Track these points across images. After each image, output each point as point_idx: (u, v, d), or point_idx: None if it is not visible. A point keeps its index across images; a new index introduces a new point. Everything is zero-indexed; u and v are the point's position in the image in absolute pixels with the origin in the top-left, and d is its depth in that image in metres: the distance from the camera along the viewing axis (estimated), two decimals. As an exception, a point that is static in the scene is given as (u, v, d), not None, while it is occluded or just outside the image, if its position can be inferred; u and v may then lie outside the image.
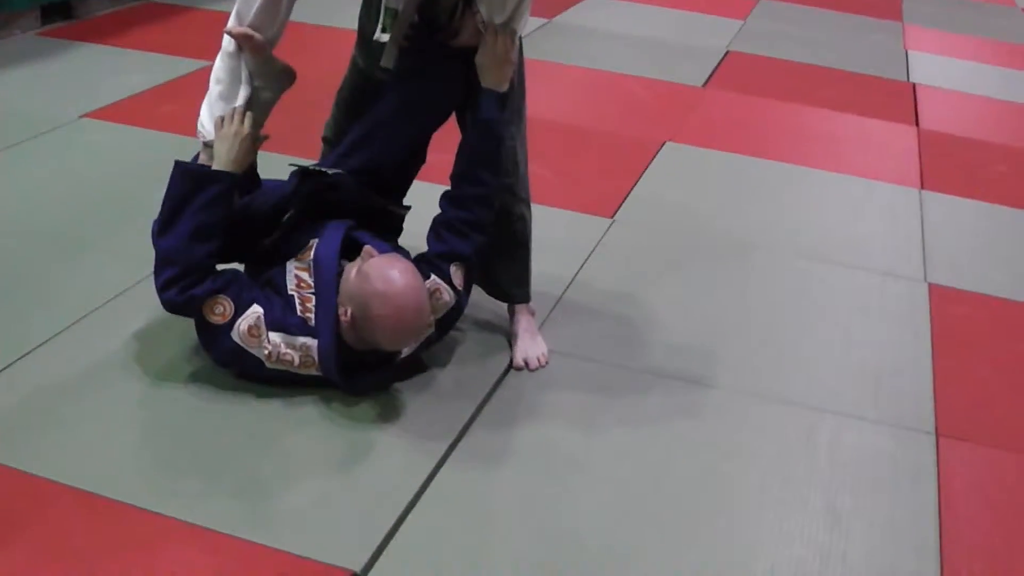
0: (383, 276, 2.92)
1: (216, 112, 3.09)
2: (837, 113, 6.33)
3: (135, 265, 3.59)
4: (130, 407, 3.03)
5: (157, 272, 3.00)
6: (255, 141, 3.12)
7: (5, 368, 3.12)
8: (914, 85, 7.14)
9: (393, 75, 3.19)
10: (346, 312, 2.95)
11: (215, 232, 3.02)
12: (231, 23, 3.08)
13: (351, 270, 2.98)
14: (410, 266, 3.00)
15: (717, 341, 3.69)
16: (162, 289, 2.98)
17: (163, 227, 3.02)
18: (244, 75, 3.11)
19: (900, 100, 6.78)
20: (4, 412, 2.94)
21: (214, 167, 3.03)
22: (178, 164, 3.06)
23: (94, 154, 4.62)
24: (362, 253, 3.01)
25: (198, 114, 3.13)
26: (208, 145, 3.09)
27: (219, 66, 3.12)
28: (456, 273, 3.16)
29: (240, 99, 3.11)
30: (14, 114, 4.97)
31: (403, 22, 3.13)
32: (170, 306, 3.01)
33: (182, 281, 2.96)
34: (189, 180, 3.02)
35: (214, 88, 3.12)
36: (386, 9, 3.20)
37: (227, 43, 3.10)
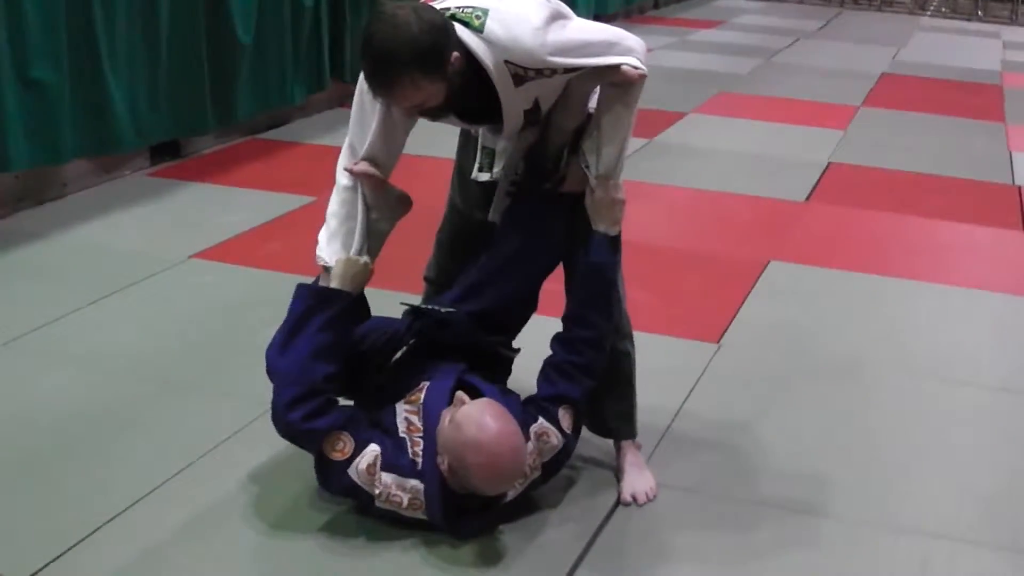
0: (475, 424, 2.91)
1: (334, 248, 3.14)
2: (942, 222, 6.26)
3: (246, 405, 3.63)
4: (247, 556, 3.04)
5: (278, 392, 3.02)
6: (369, 268, 3.16)
7: (120, 514, 3.14)
8: (1020, 188, 7.05)
9: (500, 222, 3.23)
10: (443, 461, 2.95)
11: (335, 353, 3.05)
12: (345, 157, 3.16)
13: (445, 418, 2.98)
14: (502, 411, 2.98)
15: (827, 467, 3.63)
16: (285, 410, 2.98)
17: (283, 347, 3.06)
18: (361, 208, 3.15)
19: (1007, 204, 6.69)
20: (119, 560, 2.95)
21: (332, 285, 3.09)
22: (300, 285, 3.14)
23: (202, 294, 4.70)
24: (454, 400, 3.01)
25: (316, 243, 3.18)
26: (326, 270, 3.14)
27: (335, 199, 3.18)
28: (564, 416, 3.15)
29: (357, 236, 3.15)
30: (126, 255, 5.09)
31: (509, 170, 3.17)
32: (290, 432, 3.03)
33: (304, 404, 2.97)
34: (311, 298, 3.08)
35: (331, 221, 3.18)
36: (483, 148, 3.25)
37: (341, 176, 3.17)
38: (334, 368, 3.04)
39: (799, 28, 14.19)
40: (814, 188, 6.82)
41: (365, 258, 3.15)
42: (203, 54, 6.54)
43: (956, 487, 3.58)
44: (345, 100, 8.06)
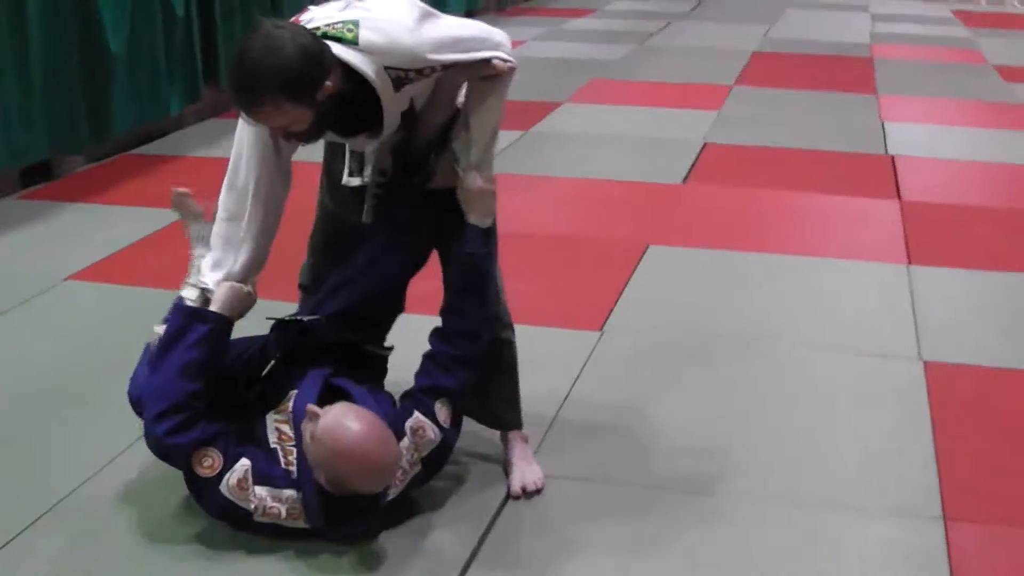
0: (336, 432, 2.89)
1: (217, 274, 3.15)
2: (819, 195, 6.36)
3: (128, 424, 3.57)
4: (125, 564, 3.00)
5: (146, 408, 3.02)
6: (253, 297, 3.18)
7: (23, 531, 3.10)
8: (893, 157, 7.19)
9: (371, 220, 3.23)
10: (319, 475, 2.94)
11: (201, 372, 3.03)
12: (224, 192, 3.16)
13: (305, 434, 2.96)
14: (358, 410, 2.97)
15: (717, 445, 3.66)
16: (150, 424, 2.98)
17: (153, 363, 3.07)
18: (246, 235, 3.15)
19: (881, 174, 6.82)
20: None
21: (212, 308, 3.09)
22: (177, 301, 3.16)
23: (81, 315, 4.63)
24: (307, 415, 2.98)
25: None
26: (195, 286, 3.16)
27: (217, 228, 3.18)
28: (441, 409, 3.14)
29: (241, 263, 3.15)
30: (1, 279, 4.99)
31: (377, 170, 3.16)
32: (156, 447, 3.01)
33: (169, 419, 2.96)
34: (184, 316, 3.09)
35: (214, 248, 3.18)
36: (352, 153, 3.23)
37: (222, 208, 3.15)
38: (199, 386, 3.02)
39: (670, 11, 14.31)
40: (691, 169, 6.88)
41: (249, 287, 3.15)
42: (75, 68, 6.43)
43: (845, 456, 3.63)
44: (221, 110, 8.00)
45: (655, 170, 6.80)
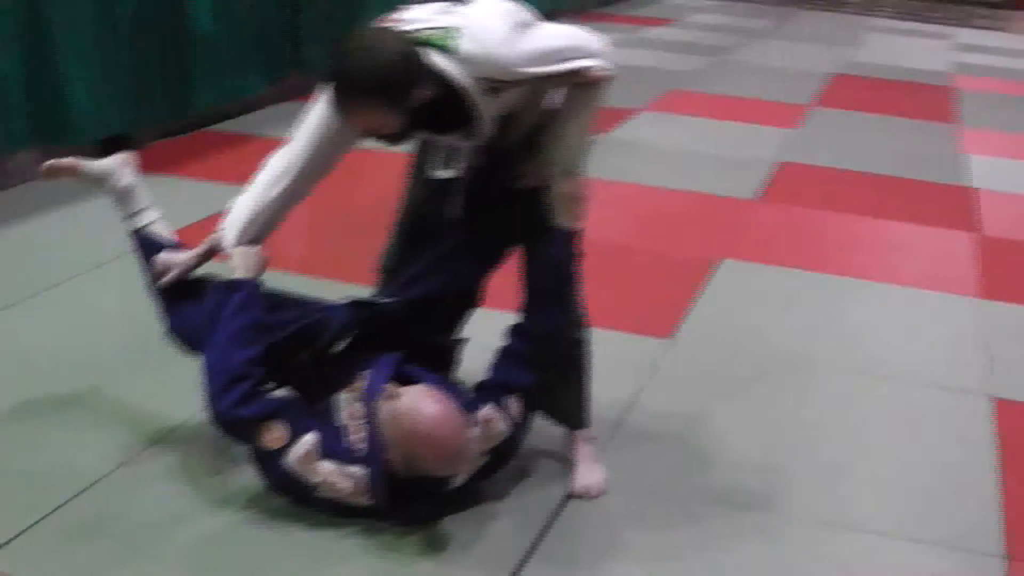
0: (414, 414, 2.92)
1: (230, 238, 3.23)
2: (892, 222, 6.31)
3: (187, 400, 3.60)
4: (184, 547, 3.00)
5: (206, 386, 3.05)
6: (263, 256, 3.24)
7: (77, 496, 3.12)
8: (972, 190, 7.11)
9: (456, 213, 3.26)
10: (391, 456, 2.96)
11: (251, 337, 3.07)
12: (281, 151, 3.21)
13: (382, 413, 2.98)
14: (437, 393, 2.99)
15: (778, 464, 3.65)
16: (213, 401, 3.01)
17: (205, 342, 3.11)
18: (257, 198, 3.22)
19: (957, 205, 6.75)
20: (90, 524, 2.98)
21: (235, 276, 3.15)
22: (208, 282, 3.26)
23: (133, 289, 4.65)
24: (386, 394, 3.00)
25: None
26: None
27: (251, 191, 3.25)
28: (513, 405, 3.16)
29: (247, 225, 3.22)
30: (76, 246, 5.05)
31: (467, 165, 3.18)
32: (223, 422, 3.04)
33: (230, 392, 2.99)
34: (217, 291, 3.17)
35: (236, 210, 3.26)
36: (444, 147, 3.25)
37: (263, 172, 3.23)
38: (254, 351, 3.05)
39: (751, 27, 14.25)
40: (764, 186, 6.85)
41: (259, 248, 3.22)
42: (162, 44, 6.49)
43: (897, 484, 3.60)
44: (302, 93, 8.02)
45: (728, 185, 6.77)
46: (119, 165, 3.53)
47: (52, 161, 3.49)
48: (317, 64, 8.12)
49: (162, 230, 3.50)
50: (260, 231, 3.23)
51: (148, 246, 3.45)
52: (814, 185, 6.99)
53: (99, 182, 3.53)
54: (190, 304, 3.29)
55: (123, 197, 3.52)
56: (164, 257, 3.38)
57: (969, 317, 5.02)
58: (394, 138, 3.00)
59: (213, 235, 3.29)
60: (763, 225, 6.15)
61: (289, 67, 7.91)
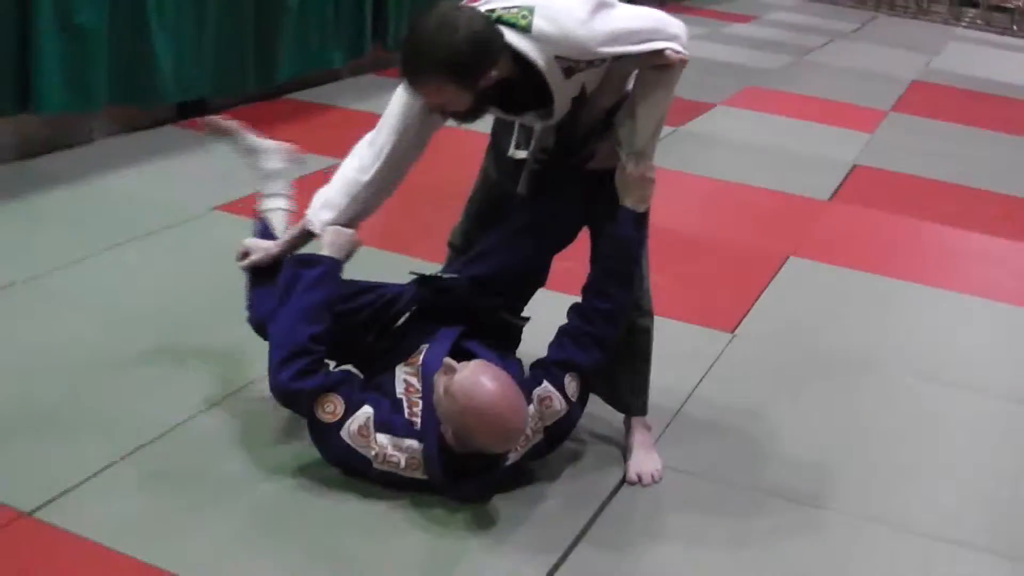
0: (471, 389, 2.91)
1: (325, 216, 3.24)
2: (963, 231, 6.26)
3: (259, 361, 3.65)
4: (236, 509, 3.04)
5: (270, 356, 3.09)
6: (356, 240, 3.25)
7: (130, 454, 3.18)
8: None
9: (526, 192, 3.26)
10: (447, 430, 2.97)
11: (319, 315, 3.09)
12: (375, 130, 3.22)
13: (439, 387, 2.99)
14: (495, 370, 2.99)
15: (834, 461, 3.65)
16: (275, 371, 3.05)
17: (273, 312, 3.14)
18: (354, 179, 3.23)
19: (1029, 218, 6.69)
20: (123, 501, 2.99)
21: (323, 252, 3.17)
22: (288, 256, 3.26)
23: (221, 246, 4.70)
24: (443, 368, 3.01)
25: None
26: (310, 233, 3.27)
27: (346, 165, 3.26)
28: (570, 384, 3.16)
29: (347, 207, 3.24)
30: (150, 204, 5.11)
31: (539, 146, 3.19)
32: (280, 394, 3.07)
33: (291, 364, 3.02)
34: (296, 263, 3.18)
35: (332, 185, 3.26)
36: (521, 127, 3.26)
37: (354, 156, 3.24)
38: (320, 328, 3.08)
39: (833, 29, 14.14)
40: (838, 188, 6.82)
41: (352, 230, 3.22)
42: (248, 13, 6.55)
43: (959, 491, 3.59)
44: (383, 67, 8.10)
45: (802, 184, 6.74)
46: (276, 149, 3.67)
47: (215, 117, 3.60)
48: (398, 40, 8.18)
49: (280, 219, 3.54)
50: (352, 217, 3.24)
51: (262, 231, 3.51)
52: (887, 190, 6.95)
53: (251, 155, 3.67)
54: (270, 292, 3.26)
55: (265, 178, 3.63)
56: (250, 241, 3.42)
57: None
58: (464, 116, 3.01)
59: (301, 223, 3.30)
60: (833, 226, 6.13)
61: (371, 41, 7.95)
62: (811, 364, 4.34)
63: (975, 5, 16.73)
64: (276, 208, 3.58)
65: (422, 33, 2.87)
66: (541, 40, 2.90)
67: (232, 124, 3.67)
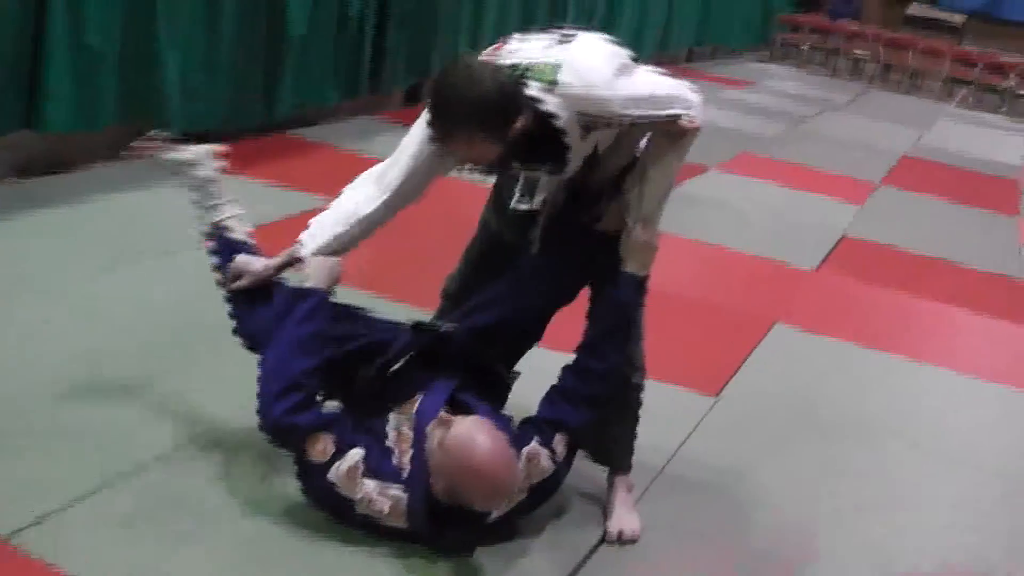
0: (467, 445, 2.92)
1: (311, 246, 3.23)
2: (949, 307, 6.30)
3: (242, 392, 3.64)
4: (216, 527, 3.05)
5: (260, 389, 3.07)
6: (339, 268, 3.25)
7: (128, 474, 3.17)
8: (1031, 284, 7.10)
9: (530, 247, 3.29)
10: (437, 483, 2.97)
11: (312, 348, 3.09)
12: (378, 168, 3.23)
13: (433, 439, 3.00)
14: (491, 427, 2.99)
15: (814, 527, 3.66)
16: (266, 405, 3.02)
17: (267, 345, 3.13)
18: (344, 212, 3.23)
19: (1014, 298, 6.73)
20: (116, 519, 3.00)
21: (307, 284, 3.17)
22: (278, 287, 3.26)
23: (208, 278, 4.73)
24: (439, 420, 3.02)
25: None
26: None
27: (344, 199, 3.26)
28: (559, 443, 3.17)
29: (330, 237, 3.23)
30: (141, 231, 5.12)
31: (550, 202, 3.20)
32: (271, 428, 3.05)
33: (284, 399, 3.00)
34: (285, 296, 3.19)
35: (324, 218, 3.26)
36: (525, 180, 3.28)
37: (356, 187, 3.24)
38: (314, 362, 3.07)
39: (826, 99, 14.24)
40: (826, 257, 6.86)
41: (336, 259, 3.23)
42: (260, 46, 6.60)
43: (945, 562, 3.61)
44: (372, 110, 8.15)
45: (790, 251, 6.79)
46: (203, 156, 3.50)
47: (137, 143, 3.52)
48: (393, 84, 8.25)
49: (239, 227, 3.47)
50: (341, 247, 3.25)
51: (226, 244, 3.43)
52: (875, 261, 6.99)
53: (179, 170, 3.49)
54: (260, 307, 3.29)
55: (203, 188, 3.48)
56: (241, 261, 3.35)
57: (1018, 409, 5.02)
58: (491, 168, 3.03)
59: (293, 247, 3.29)
60: (819, 295, 6.16)
61: (367, 83, 7.99)
62: (795, 430, 4.36)
63: (967, 84, 16.86)
64: (229, 216, 3.49)
65: (451, 87, 2.88)
66: (565, 96, 2.92)
67: (154, 144, 3.54)
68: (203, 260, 4.77)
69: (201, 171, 3.48)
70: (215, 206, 3.48)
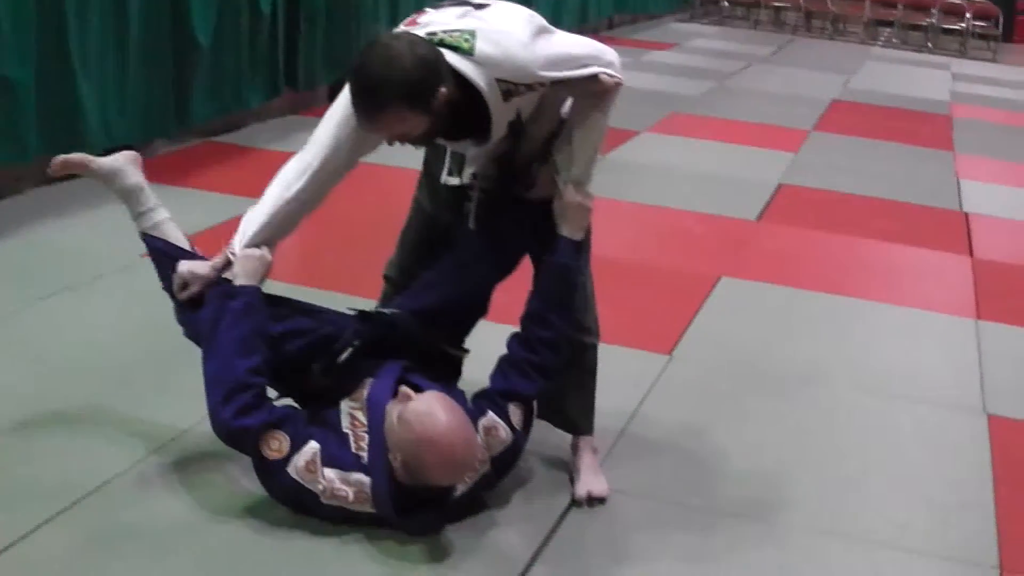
0: (425, 419, 2.93)
1: (234, 242, 3.21)
2: (891, 244, 6.36)
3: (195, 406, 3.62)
4: (182, 552, 3.01)
5: (208, 395, 3.06)
6: (267, 260, 3.22)
7: (81, 499, 3.13)
8: (967, 215, 7.17)
9: (465, 222, 3.28)
10: (396, 458, 2.97)
11: (253, 346, 3.08)
12: (299, 154, 3.19)
13: (392, 415, 3.00)
14: (449, 402, 3.01)
15: (778, 477, 3.68)
16: (216, 410, 3.02)
17: (205, 351, 3.12)
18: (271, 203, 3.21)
19: (953, 230, 6.81)
20: (63, 554, 2.94)
21: (236, 283, 3.14)
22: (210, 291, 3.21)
23: (150, 294, 4.69)
24: (399, 395, 3.03)
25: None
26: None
27: (267, 192, 3.23)
28: (515, 412, 3.17)
29: (255, 230, 3.21)
30: (77, 254, 5.07)
31: (480, 175, 3.20)
32: (224, 433, 3.05)
33: (232, 401, 3.00)
34: (216, 298, 3.15)
35: (249, 218, 3.24)
36: (453, 154, 3.28)
37: (279, 177, 3.21)
38: (256, 360, 3.06)
39: (751, 53, 14.32)
40: (765, 208, 6.91)
41: (261, 251, 3.19)
42: (168, 57, 6.55)
43: (906, 499, 3.64)
44: (298, 108, 8.12)
45: (729, 206, 6.83)
46: (126, 162, 3.48)
47: (62, 157, 3.47)
48: (317, 80, 8.22)
49: (173, 231, 3.45)
50: (271, 235, 3.22)
51: (165, 250, 3.41)
52: (814, 208, 7.05)
53: (107, 179, 3.46)
54: (202, 310, 3.24)
55: (131, 195, 3.46)
56: (186, 268, 3.29)
57: (964, 337, 5.07)
58: (421, 140, 3.02)
59: (229, 244, 3.26)
60: (762, 245, 6.20)
61: (285, 83, 7.98)
62: (750, 381, 4.39)
63: (890, 25, 16.99)
64: (162, 220, 3.46)
65: (372, 68, 2.87)
66: (483, 63, 2.92)
67: (78, 157, 3.50)
68: (139, 279, 4.77)
69: (127, 177, 3.46)
70: (146, 211, 3.46)
